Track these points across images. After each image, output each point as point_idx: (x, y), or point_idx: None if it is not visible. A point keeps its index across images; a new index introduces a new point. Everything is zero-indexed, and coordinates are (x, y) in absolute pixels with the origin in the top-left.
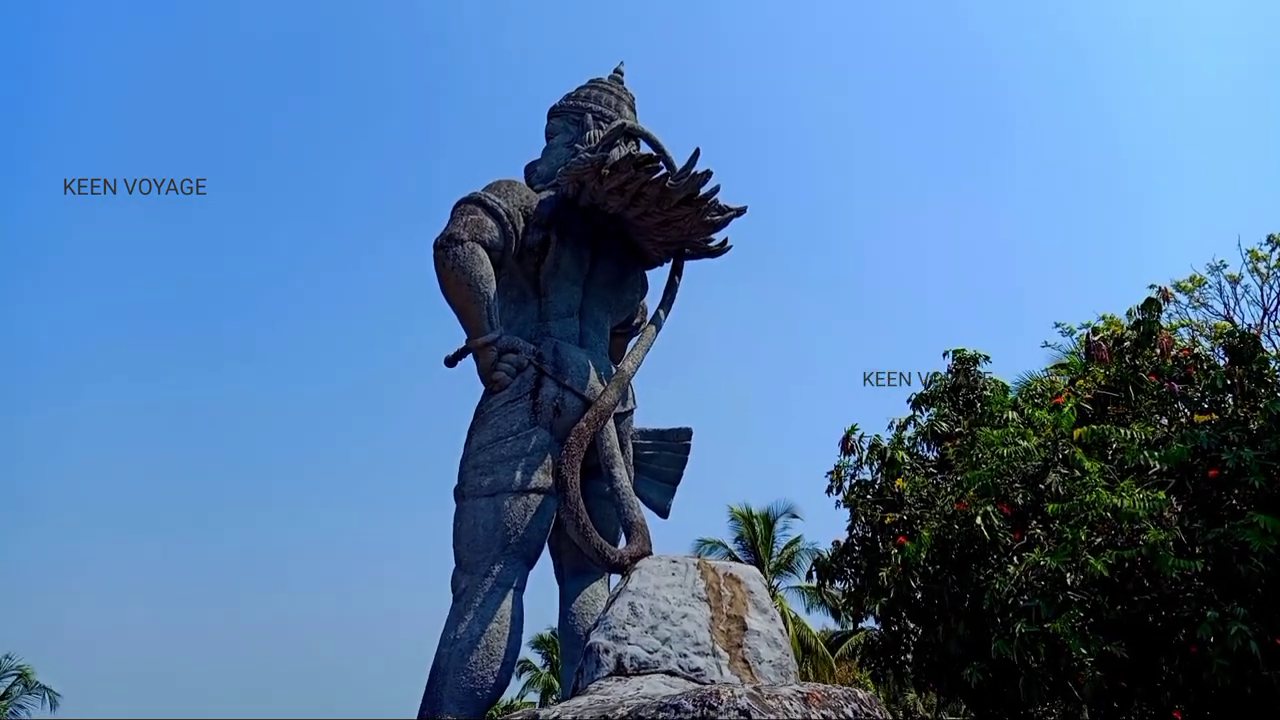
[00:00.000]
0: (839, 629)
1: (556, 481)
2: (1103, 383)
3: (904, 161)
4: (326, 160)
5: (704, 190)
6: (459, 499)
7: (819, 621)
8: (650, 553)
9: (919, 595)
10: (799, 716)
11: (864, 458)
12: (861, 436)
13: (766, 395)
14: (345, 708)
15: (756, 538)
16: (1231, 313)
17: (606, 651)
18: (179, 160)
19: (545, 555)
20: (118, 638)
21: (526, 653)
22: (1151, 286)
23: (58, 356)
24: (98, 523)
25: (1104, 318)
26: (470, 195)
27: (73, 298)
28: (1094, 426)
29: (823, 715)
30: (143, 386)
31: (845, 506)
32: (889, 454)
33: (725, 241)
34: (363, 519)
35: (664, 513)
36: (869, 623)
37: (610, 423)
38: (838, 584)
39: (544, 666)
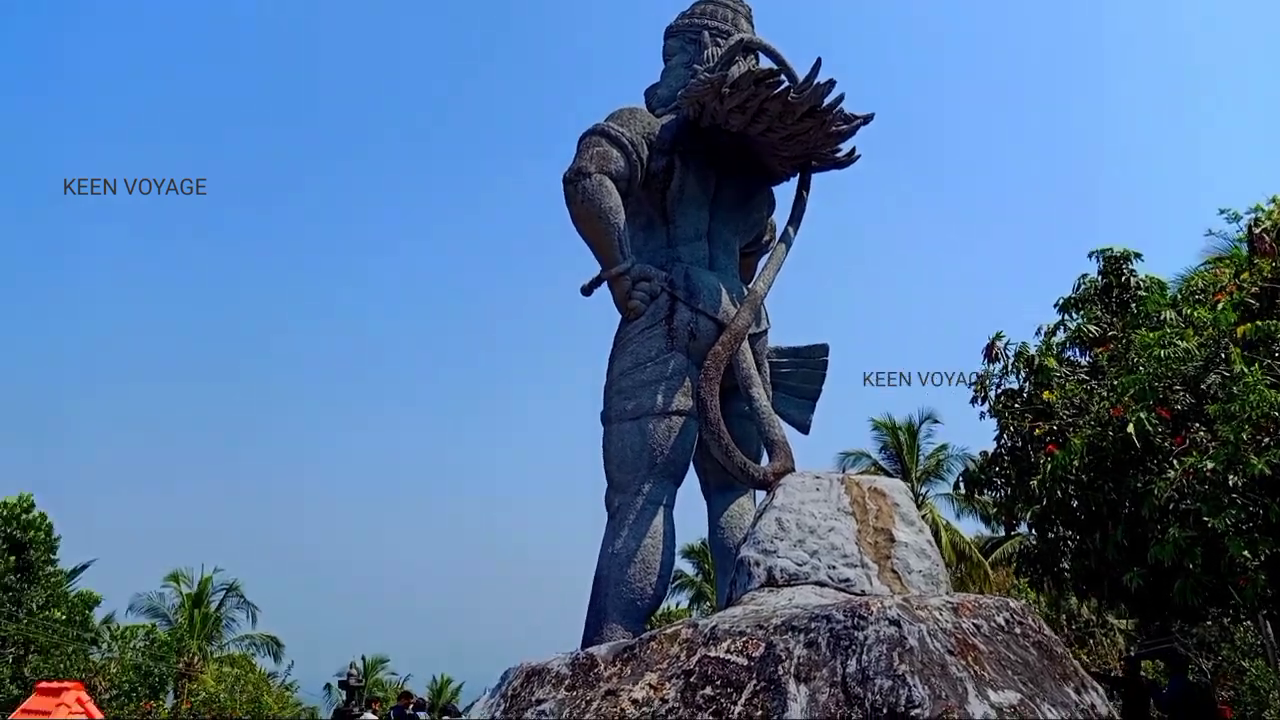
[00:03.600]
0: (991, 534)
1: (697, 404)
2: (1269, 275)
3: (1036, 54)
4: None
5: (827, 101)
6: (606, 423)
7: (971, 527)
8: (793, 468)
9: (1074, 503)
10: (949, 625)
11: (1009, 366)
12: (1006, 344)
13: (902, 304)
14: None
15: (901, 447)
16: None
17: (757, 564)
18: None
19: (692, 471)
20: (307, 554)
21: (679, 563)
22: None
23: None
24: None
25: (1275, 200)
26: (594, 127)
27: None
28: (1259, 323)
29: (974, 624)
30: None
31: (991, 416)
32: (1037, 361)
33: (853, 151)
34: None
35: (804, 429)
36: (1023, 528)
37: (746, 343)
38: (987, 493)
39: (696, 575)
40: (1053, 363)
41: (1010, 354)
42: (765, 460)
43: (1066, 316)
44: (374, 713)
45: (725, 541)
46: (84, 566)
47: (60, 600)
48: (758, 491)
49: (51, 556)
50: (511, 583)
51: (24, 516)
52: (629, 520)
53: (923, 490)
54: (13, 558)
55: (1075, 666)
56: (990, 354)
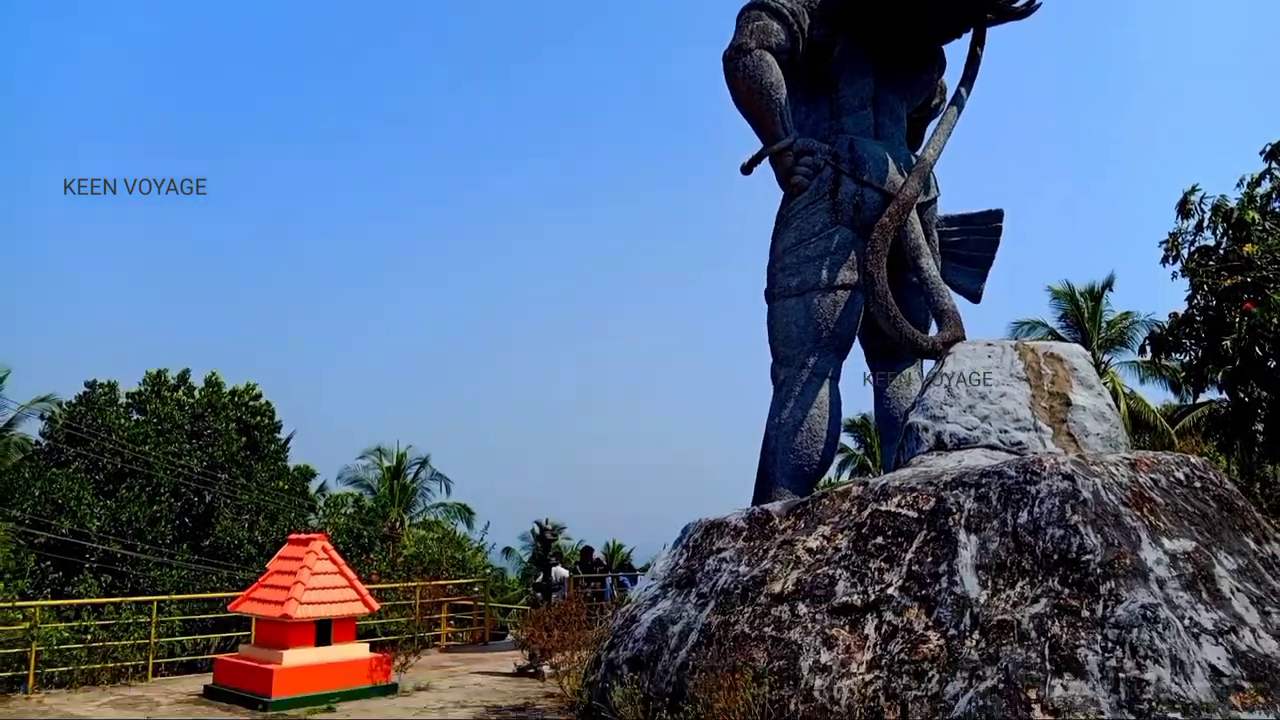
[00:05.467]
0: (1180, 403)
1: (863, 277)
2: None
3: None
4: None
5: None
6: (770, 300)
7: (1158, 396)
8: (963, 338)
9: (1271, 362)
10: (1125, 479)
11: (1204, 221)
12: (1202, 198)
13: (1082, 164)
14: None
15: (1081, 314)
16: None
17: (925, 430)
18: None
19: (857, 346)
20: (487, 428)
21: (841, 437)
22: None
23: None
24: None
25: None
26: (754, 0)
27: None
28: None
29: (1151, 479)
30: None
31: (1183, 276)
32: (1236, 214)
33: (1032, 0)
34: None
35: (975, 298)
36: (1212, 394)
37: (914, 213)
38: (1176, 357)
39: (859, 448)
40: (1254, 215)
41: (1206, 209)
42: (934, 331)
43: (1274, 164)
44: (564, 566)
45: (892, 411)
46: (289, 438)
47: (283, 473)
48: (925, 362)
49: (275, 436)
50: (679, 456)
51: (252, 403)
52: (795, 392)
53: (1104, 358)
54: (243, 438)
55: (1257, 519)
56: (1184, 209)
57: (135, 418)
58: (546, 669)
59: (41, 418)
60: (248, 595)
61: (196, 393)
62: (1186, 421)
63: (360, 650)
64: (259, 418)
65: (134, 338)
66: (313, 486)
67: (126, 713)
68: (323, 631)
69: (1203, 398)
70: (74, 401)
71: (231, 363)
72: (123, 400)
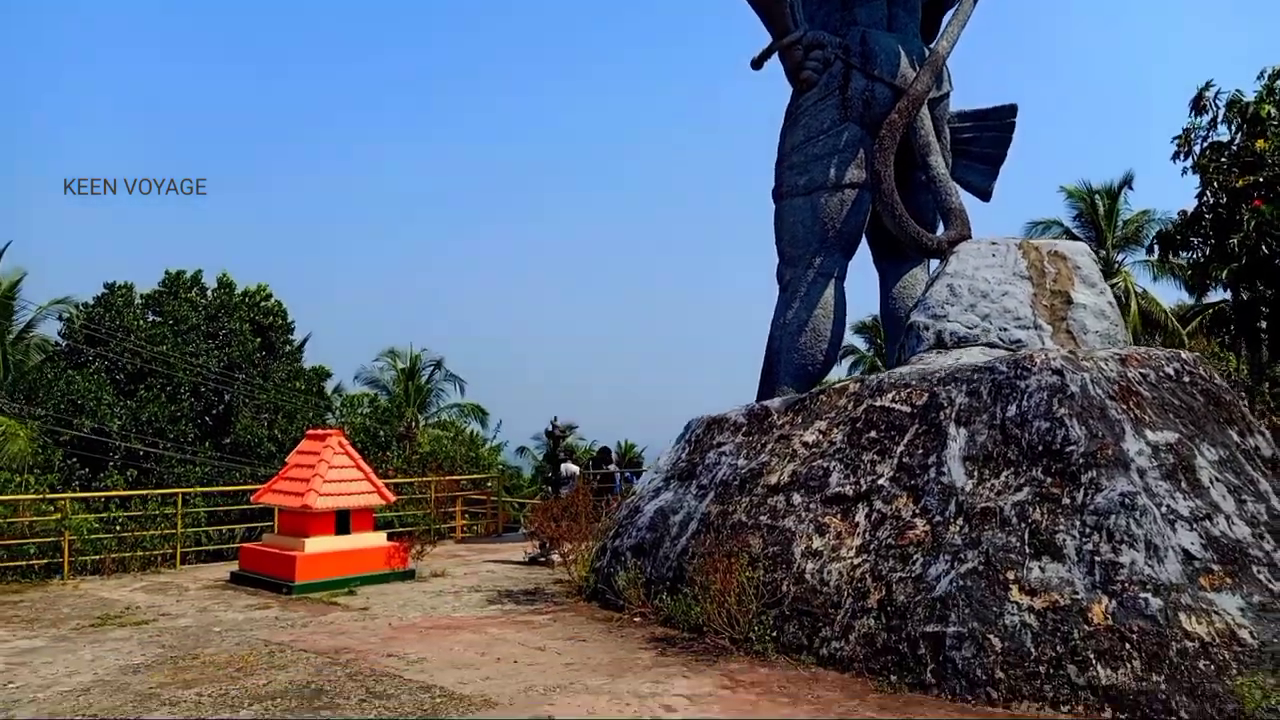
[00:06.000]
0: (1194, 303)
1: (870, 175)
2: None
3: None
4: None
5: None
6: (777, 199)
7: (1170, 295)
8: (969, 237)
9: (1278, 260)
10: (1114, 374)
11: (1219, 117)
12: (1217, 94)
13: (1102, 58)
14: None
15: (1097, 213)
16: None
17: (926, 329)
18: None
19: (865, 245)
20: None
21: (850, 338)
22: None
23: None
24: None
25: None
26: None
27: None
28: None
29: (1140, 373)
30: None
31: (1194, 172)
32: (1251, 109)
33: None
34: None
35: (985, 196)
36: (1226, 295)
37: (925, 109)
38: (1184, 255)
39: (868, 350)
40: (1270, 109)
41: (1221, 104)
42: (941, 230)
43: None
44: (574, 463)
45: (896, 311)
46: (305, 340)
47: (299, 374)
48: (932, 262)
49: (289, 338)
50: (688, 359)
51: (263, 304)
52: (800, 292)
53: (1119, 258)
54: (258, 339)
55: (1243, 413)
56: (1198, 105)
57: (152, 319)
58: (556, 558)
59: (60, 319)
60: (269, 487)
61: (209, 294)
62: (1198, 322)
63: (378, 539)
64: (271, 318)
65: (146, 240)
66: (328, 387)
67: (157, 597)
68: (342, 521)
69: (1215, 297)
70: (92, 303)
71: (242, 265)
72: (138, 301)
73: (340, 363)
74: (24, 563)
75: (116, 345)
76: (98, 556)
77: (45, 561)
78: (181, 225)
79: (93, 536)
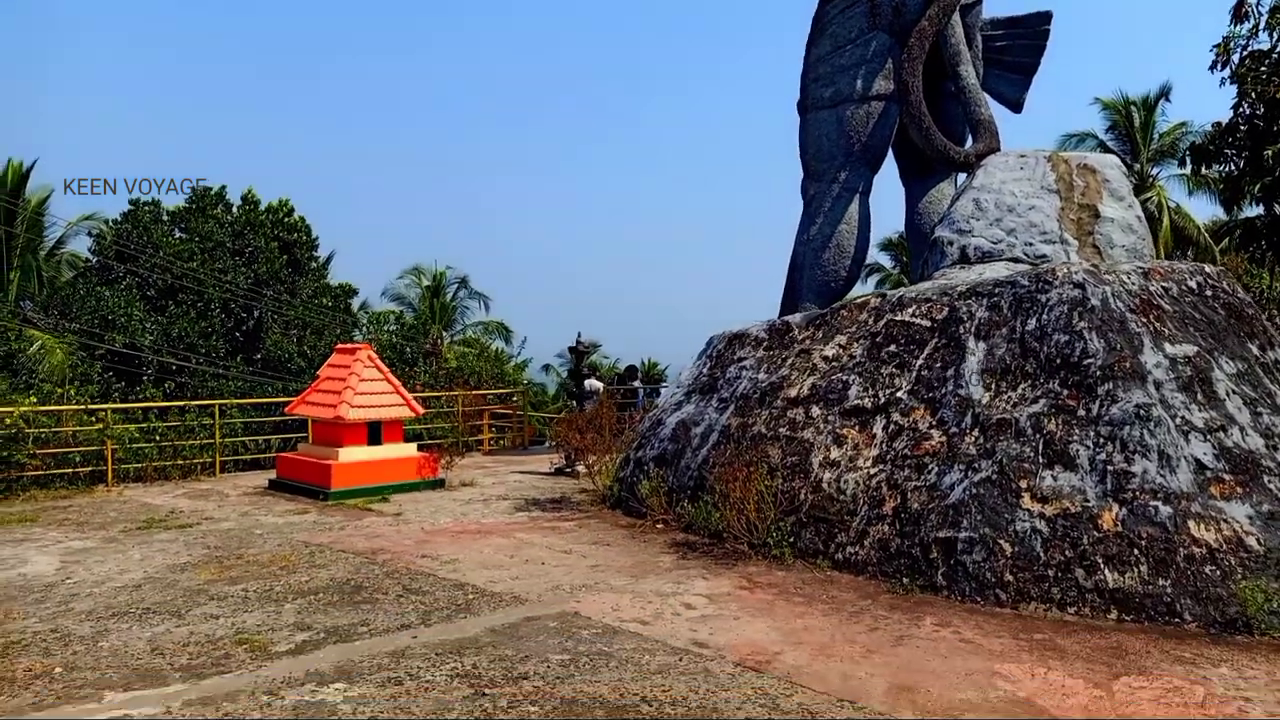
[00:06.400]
0: (1229, 219)
1: (897, 86)
2: None
3: None
4: None
5: None
6: (802, 112)
7: (1205, 211)
8: (998, 150)
9: None
10: (1135, 288)
11: (1261, 25)
12: (1259, 0)
13: None
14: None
15: (1132, 125)
16: None
17: (950, 244)
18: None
19: (891, 160)
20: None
21: (875, 255)
22: None
23: None
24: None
25: None
26: None
27: None
28: None
29: (1162, 287)
30: None
31: (1232, 82)
32: None
33: None
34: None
35: (1017, 107)
36: (1256, 210)
37: (955, 16)
38: (1217, 169)
39: (893, 267)
40: None
41: (1263, 11)
42: (970, 143)
43: None
44: (598, 379)
45: (922, 226)
46: (329, 257)
47: (325, 290)
48: (959, 176)
49: (314, 254)
50: (709, 278)
51: (287, 219)
52: (824, 208)
53: (1154, 171)
54: (284, 255)
55: (1265, 326)
56: (1239, 12)
57: (179, 235)
58: (581, 469)
59: (89, 235)
60: (302, 399)
61: (234, 210)
62: (1230, 240)
63: (409, 449)
64: (296, 234)
65: (169, 154)
66: (354, 305)
67: (199, 503)
68: (373, 432)
69: (1250, 213)
70: (120, 219)
71: (266, 181)
72: (165, 218)
73: (365, 280)
74: (70, 470)
75: (146, 262)
76: (140, 465)
77: (90, 469)
78: (204, 141)
79: (134, 445)
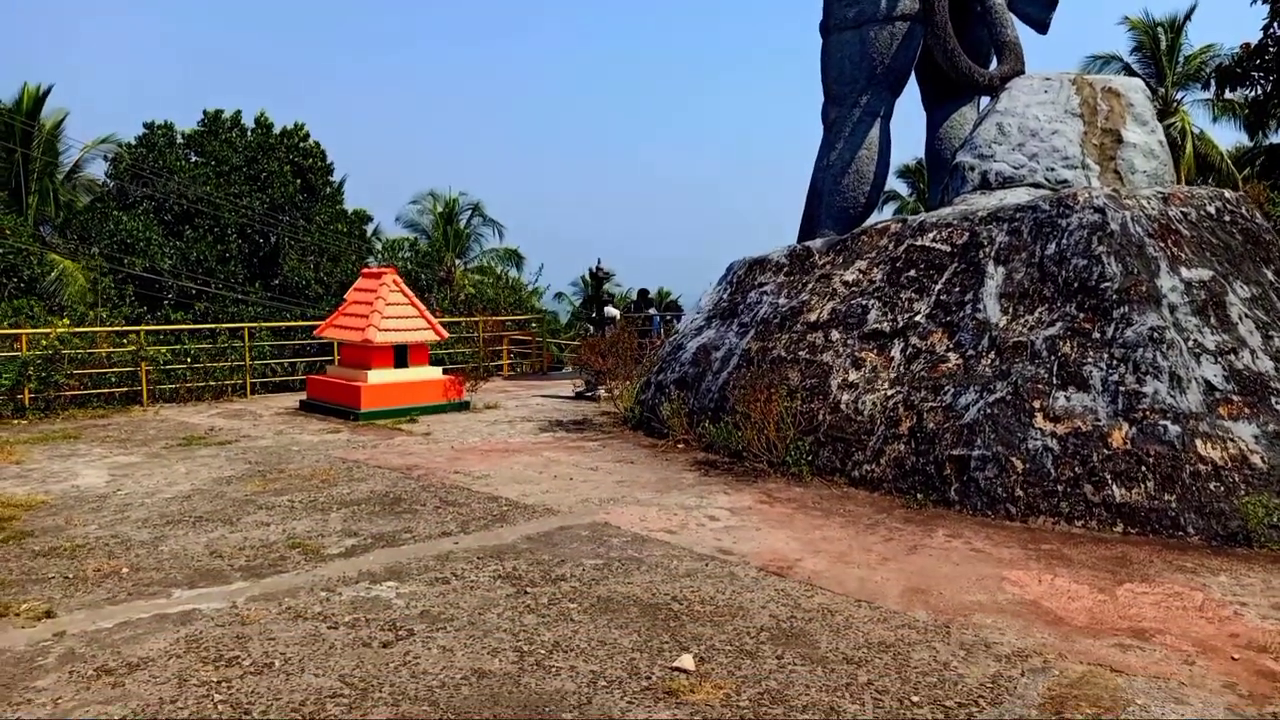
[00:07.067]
0: (1251, 145)
1: (923, 5)
2: None
3: None
4: None
5: None
6: (825, 34)
7: (1229, 137)
8: (1022, 72)
9: None
10: (1155, 212)
11: None
12: None
13: None
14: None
15: (1158, 47)
16: None
17: (971, 169)
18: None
19: (913, 85)
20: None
21: (893, 182)
22: None
23: None
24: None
25: None
26: None
27: None
28: None
29: (1181, 212)
30: None
31: (1263, 2)
32: None
33: None
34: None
35: (1043, 28)
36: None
37: None
38: (1244, 93)
39: (910, 195)
40: None
41: None
42: (994, 65)
43: None
44: (614, 307)
45: (942, 152)
46: (343, 181)
47: (340, 216)
48: (982, 100)
49: (329, 179)
50: (729, 206)
51: (302, 144)
52: (845, 133)
53: (1179, 96)
54: (298, 180)
55: None
56: None
57: (194, 159)
58: (602, 392)
59: (105, 159)
60: (330, 323)
61: (249, 134)
62: (1253, 168)
63: (435, 372)
64: (310, 159)
65: (180, 75)
66: (368, 231)
67: (235, 422)
68: (400, 355)
69: (1275, 141)
70: (134, 143)
71: (279, 104)
72: (180, 141)
73: (376, 206)
74: (107, 390)
75: (161, 186)
76: (173, 386)
77: (125, 390)
78: (215, 64)
79: (167, 367)
